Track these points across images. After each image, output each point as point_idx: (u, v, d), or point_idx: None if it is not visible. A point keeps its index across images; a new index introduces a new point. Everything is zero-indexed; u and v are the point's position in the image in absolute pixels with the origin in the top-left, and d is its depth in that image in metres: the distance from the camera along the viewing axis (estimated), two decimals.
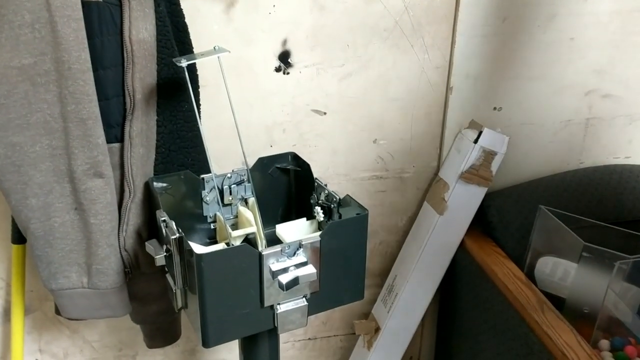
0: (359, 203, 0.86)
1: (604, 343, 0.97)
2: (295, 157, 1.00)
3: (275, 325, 0.82)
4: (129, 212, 0.92)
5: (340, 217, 0.90)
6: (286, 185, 1.02)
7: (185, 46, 0.94)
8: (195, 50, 0.97)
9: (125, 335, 1.26)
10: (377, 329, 1.27)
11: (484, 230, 1.22)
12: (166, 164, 0.94)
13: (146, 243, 0.88)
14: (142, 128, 0.90)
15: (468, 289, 1.21)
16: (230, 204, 0.98)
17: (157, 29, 0.88)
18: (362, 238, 0.86)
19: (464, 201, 1.19)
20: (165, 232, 0.82)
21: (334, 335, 1.39)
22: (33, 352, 1.24)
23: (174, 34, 0.92)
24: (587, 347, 0.90)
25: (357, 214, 0.85)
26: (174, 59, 0.86)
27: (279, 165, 1.00)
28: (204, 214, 0.97)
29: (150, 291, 0.98)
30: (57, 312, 0.99)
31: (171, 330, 1.07)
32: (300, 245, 0.79)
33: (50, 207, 0.89)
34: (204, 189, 0.95)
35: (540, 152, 1.27)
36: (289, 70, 1.11)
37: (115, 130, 0.89)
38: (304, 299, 0.82)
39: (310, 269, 0.80)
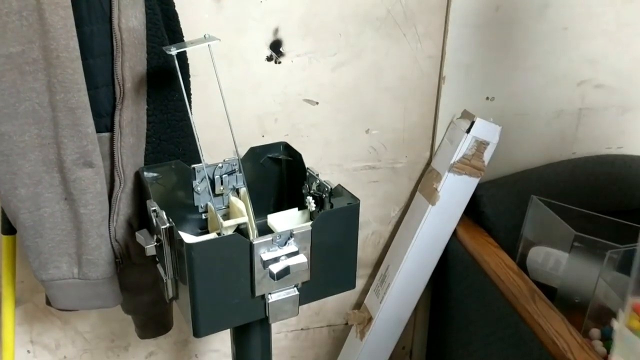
0: (350, 193, 0.86)
1: (595, 332, 0.98)
2: (287, 147, 0.99)
3: (267, 315, 0.82)
4: (120, 202, 0.91)
5: (332, 206, 0.90)
6: (278, 175, 1.01)
7: (175, 35, 0.93)
8: (186, 39, 0.96)
9: (117, 326, 1.25)
10: (370, 319, 1.27)
11: (476, 220, 1.23)
12: (157, 153, 0.94)
13: (136, 233, 0.87)
14: (132, 117, 0.89)
15: (460, 279, 1.21)
16: (221, 194, 0.97)
17: (147, 17, 0.87)
18: (353, 228, 0.86)
19: (457, 191, 1.19)
20: (156, 221, 0.81)
21: (327, 326, 1.39)
22: (24, 344, 1.23)
23: (164, 23, 0.91)
24: (577, 336, 0.91)
25: (349, 203, 0.85)
26: (164, 47, 0.85)
27: (270, 155, 1.00)
28: (195, 204, 0.96)
29: (142, 281, 0.98)
30: (48, 302, 0.99)
31: (163, 321, 1.07)
32: (291, 235, 0.79)
33: (39, 197, 0.88)
34: (195, 179, 0.95)
35: (533, 142, 1.27)
36: (281, 59, 1.10)
37: (105, 120, 0.89)
38: (295, 288, 0.82)
39: (302, 259, 0.80)
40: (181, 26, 0.95)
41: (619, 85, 1.26)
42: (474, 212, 1.22)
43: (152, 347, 1.30)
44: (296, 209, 0.95)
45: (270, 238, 0.78)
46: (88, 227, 0.89)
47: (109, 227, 0.91)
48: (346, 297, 1.35)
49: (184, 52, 0.95)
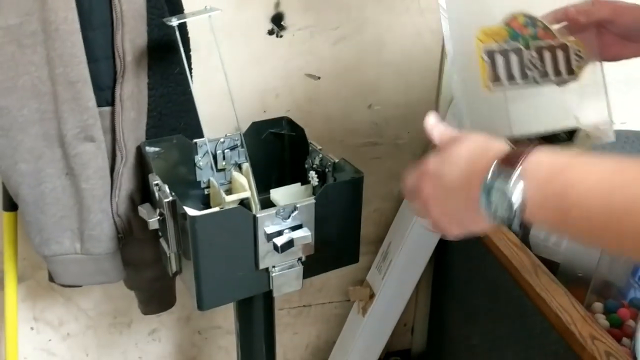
0: (354, 167, 0.85)
1: (598, 305, 0.98)
2: (290, 122, 0.99)
3: (271, 287, 0.82)
4: (121, 177, 0.90)
5: (335, 181, 0.89)
6: (280, 150, 1.01)
7: (175, 7, 0.92)
8: (186, 11, 0.95)
9: (120, 303, 1.26)
10: (372, 296, 1.28)
11: None
12: (158, 128, 0.93)
13: (139, 207, 0.87)
14: (133, 91, 0.88)
15: (462, 254, 1.21)
16: (223, 170, 0.97)
17: None
18: (357, 201, 0.85)
19: None
20: (158, 195, 0.81)
21: (329, 302, 1.39)
22: (28, 321, 1.23)
23: None
24: (581, 309, 0.91)
25: (352, 177, 0.84)
26: (164, 19, 0.84)
27: (273, 130, 0.99)
28: (197, 180, 0.96)
29: (144, 257, 0.98)
30: (51, 279, 0.99)
31: (166, 297, 1.07)
32: (295, 208, 0.79)
33: (40, 173, 0.88)
34: (197, 154, 0.94)
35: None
36: (282, 33, 1.09)
37: (105, 94, 0.88)
38: (299, 261, 0.82)
39: (305, 232, 0.80)
40: None
41: None
42: None
43: (155, 323, 1.31)
44: (299, 184, 0.95)
45: (274, 211, 0.78)
46: (90, 202, 0.89)
47: (111, 202, 0.91)
48: (348, 274, 1.35)
49: (185, 24, 0.94)
